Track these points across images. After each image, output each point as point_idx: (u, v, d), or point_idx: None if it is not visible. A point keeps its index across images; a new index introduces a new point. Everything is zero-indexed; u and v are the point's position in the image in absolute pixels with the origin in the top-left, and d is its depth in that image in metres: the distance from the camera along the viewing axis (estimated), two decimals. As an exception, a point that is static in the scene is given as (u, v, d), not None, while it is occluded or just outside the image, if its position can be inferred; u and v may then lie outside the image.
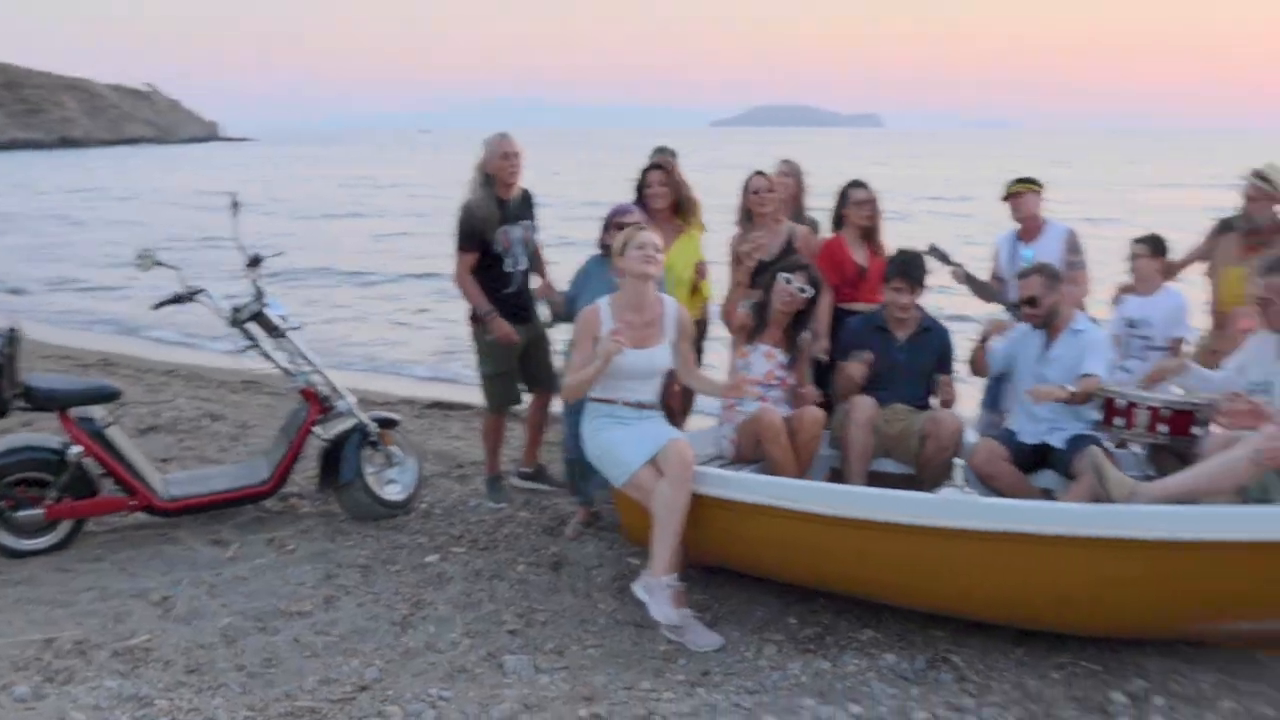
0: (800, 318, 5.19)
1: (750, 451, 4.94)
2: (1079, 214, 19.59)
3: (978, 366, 5.37)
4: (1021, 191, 5.87)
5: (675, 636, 4.25)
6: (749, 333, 5.16)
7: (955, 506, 3.92)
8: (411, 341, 13.26)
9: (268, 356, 5.50)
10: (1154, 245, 5.39)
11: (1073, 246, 5.78)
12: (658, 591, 4.21)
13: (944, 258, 5.76)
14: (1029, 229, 5.90)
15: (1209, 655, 4.13)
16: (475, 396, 6.57)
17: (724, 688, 3.88)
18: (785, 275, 5.12)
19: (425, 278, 18.12)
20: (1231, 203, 5.90)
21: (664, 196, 5.55)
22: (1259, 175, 5.56)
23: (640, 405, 4.56)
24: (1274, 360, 4.52)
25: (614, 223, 5.18)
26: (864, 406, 4.94)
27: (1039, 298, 4.95)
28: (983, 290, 5.96)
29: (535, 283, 5.84)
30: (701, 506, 4.35)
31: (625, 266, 4.47)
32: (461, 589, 4.76)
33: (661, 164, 5.66)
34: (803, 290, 5.09)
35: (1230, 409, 4.29)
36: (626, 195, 5.71)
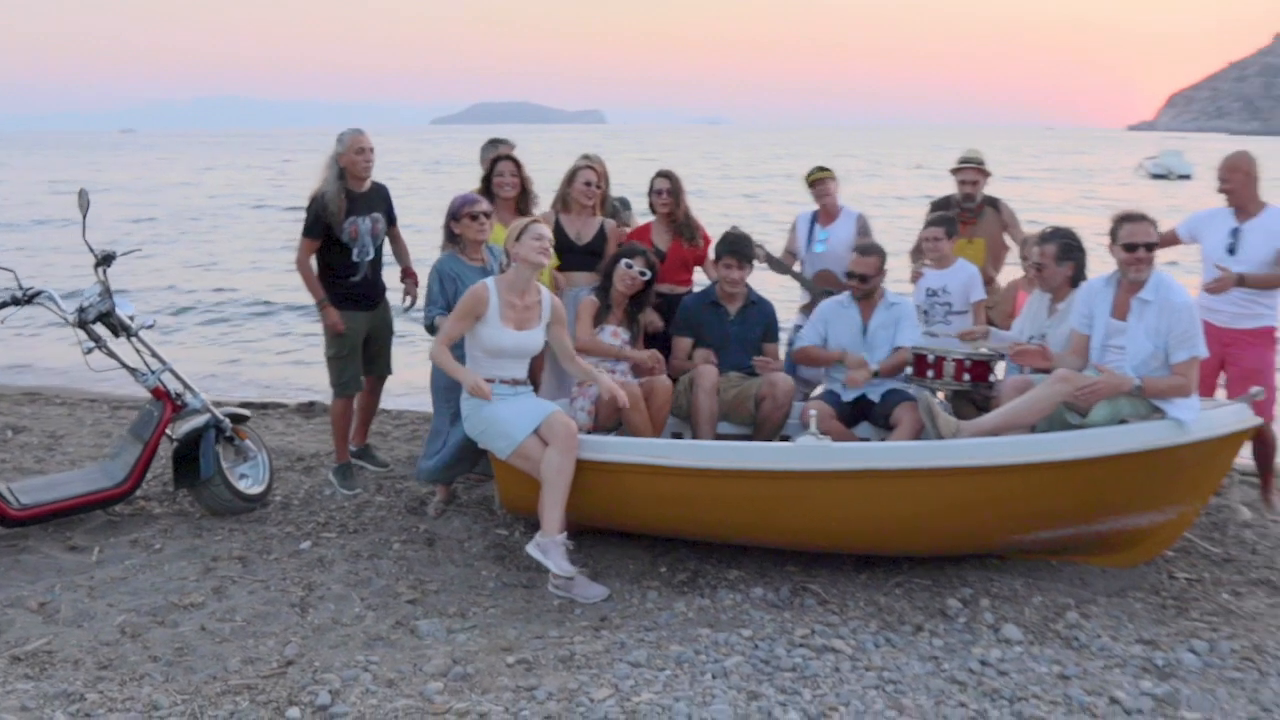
0: (638, 298, 5.67)
1: (607, 420, 5.37)
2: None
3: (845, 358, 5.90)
4: (823, 178, 6.55)
5: (564, 591, 4.64)
6: (596, 316, 5.59)
7: (816, 452, 4.51)
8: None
9: (114, 356, 5.46)
10: (949, 226, 6.17)
11: (863, 229, 6.51)
12: (552, 549, 4.59)
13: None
14: (828, 212, 6.60)
15: (1014, 565, 4.92)
16: (281, 395, 6.66)
17: (624, 629, 4.31)
18: (626, 261, 5.58)
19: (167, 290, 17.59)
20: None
21: (514, 186, 5.90)
22: (969, 159, 6.47)
23: (515, 382, 4.91)
24: (1046, 315, 5.38)
25: (463, 213, 5.47)
26: (708, 375, 5.47)
27: (871, 276, 5.63)
28: (779, 266, 6.59)
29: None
30: (579, 471, 4.75)
31: (521, 254, 4.80)
32: (346, 569, 4.96)
33: (513, 157, 5.99)
34: (642, 274, 5.57)
35: (1021, 352, 5.10)
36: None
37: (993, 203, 6.44)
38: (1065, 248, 5.20)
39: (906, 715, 3.53)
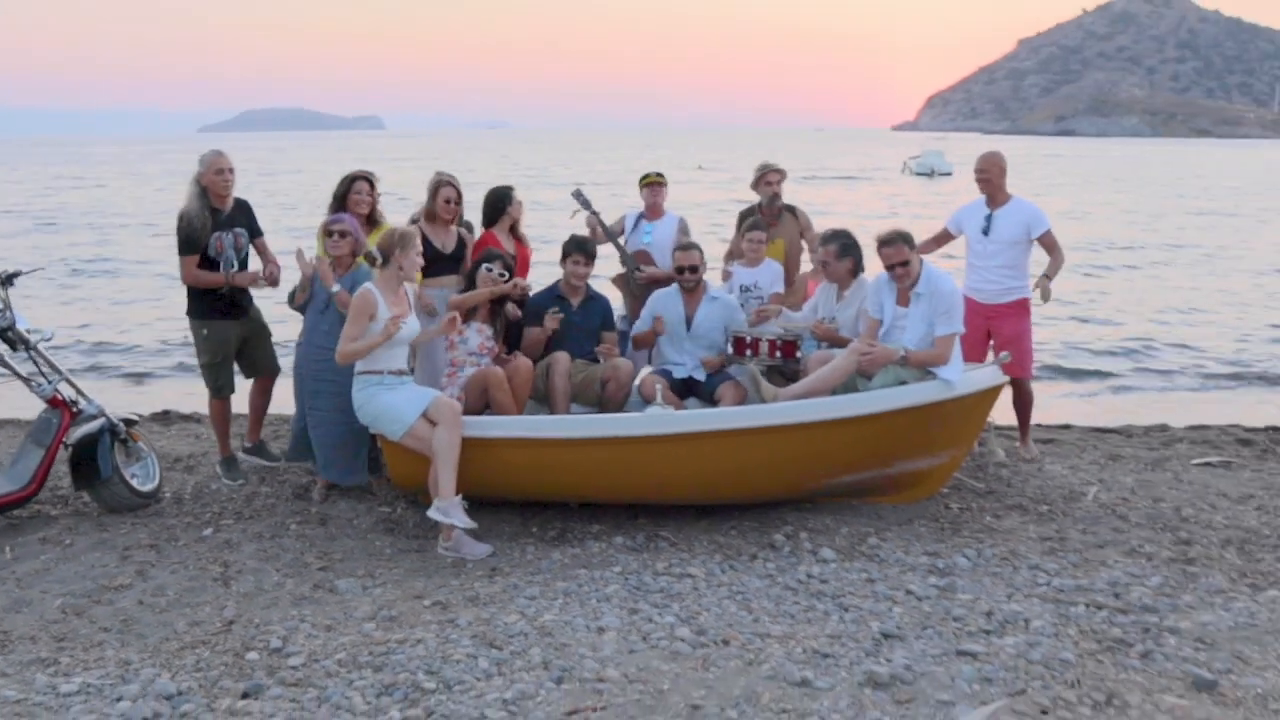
0: (501, 298, 6.49)
1: (475, 403, 6.16)
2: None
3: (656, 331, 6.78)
4: (656, 182, 7.50)
5: (454, 551, 5.42)
6: (465, 315, 6.37)
7: (665, 419, 5.46)
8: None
9: (10, 369, 5.89)
10: (767, 232, 7.19)
11: (683, 229, 7.49)
12: (452, 508, 5.37)
13: (586, 204, 7.30)
14: (654, 211, 7.53)
15: (822, 507, 5.99)
16: (136, 403, 7.08)
17: (514, 575, 5.14)
18: (487, 265, 6.39)
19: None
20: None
21: (367, 204, 6.60)
22: (766, 165, 7.58)
23: (400, 372, 5.66)
24: (834, 302, 6.50)
25: (332, 229, 6.15)
26: (563, 360, 6.34)
27: (698, 268, 6.59)
28: (608, 234, 7.40)
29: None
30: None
31: (407, 264, 5.55)
32: (255, 548, 5.58)
33: (368, 177, 6.68)
34: (502, 275, 6.39)
35: (820, 331, 6.20)
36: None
37: (790, 208, 7.54)
38: (843, 247, 6.33)
39: (754, 613, 4.51)
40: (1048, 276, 6.78)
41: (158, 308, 16.76)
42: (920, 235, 6.58)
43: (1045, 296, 6.77)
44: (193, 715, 3.68)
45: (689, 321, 6.66)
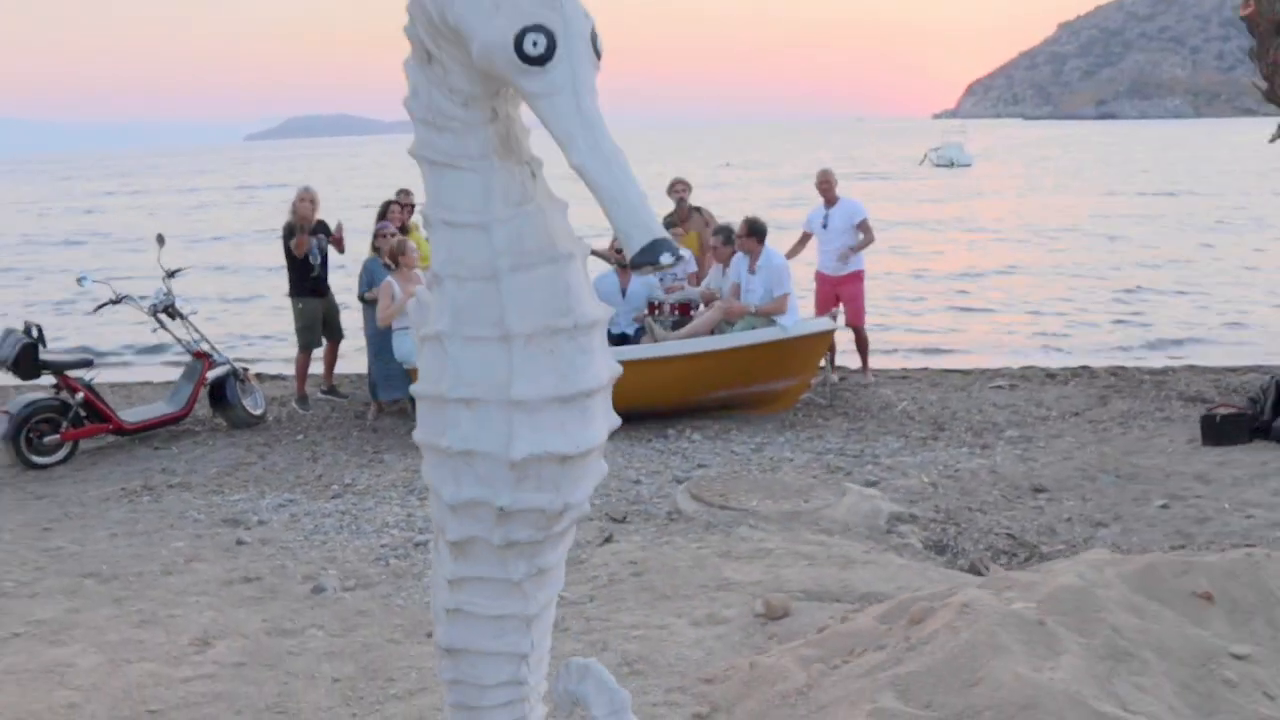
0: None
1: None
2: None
3: None
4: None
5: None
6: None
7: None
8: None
9: (170, 331, 9.02)
10: (668, 226, 10.18)
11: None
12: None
13: None
14: None
15: (707, 414, 8.94)
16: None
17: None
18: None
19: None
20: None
21: (398, 221, 9.65)
22: (679, 179, 10.54)
23: (422, 329, 8.72)
24: (720, 276, 9.46)
25: (384, 234, 9.20)
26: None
27: (622, 251, 9.57)
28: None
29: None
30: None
31: (406, 262, 8.59)
32: (330, 444, 8.65)
33: (400, 201, 9.74)
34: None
35: (705, 296, 9.20)
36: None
37: (697, 209, 10.50)
38: (726, 238, 9.28)
39: (631, 463, 7.50)
40: (853, 249, 9.73)
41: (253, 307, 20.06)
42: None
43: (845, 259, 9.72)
44: (299, 504, 6.76)
45: (623, 291, 9.65)
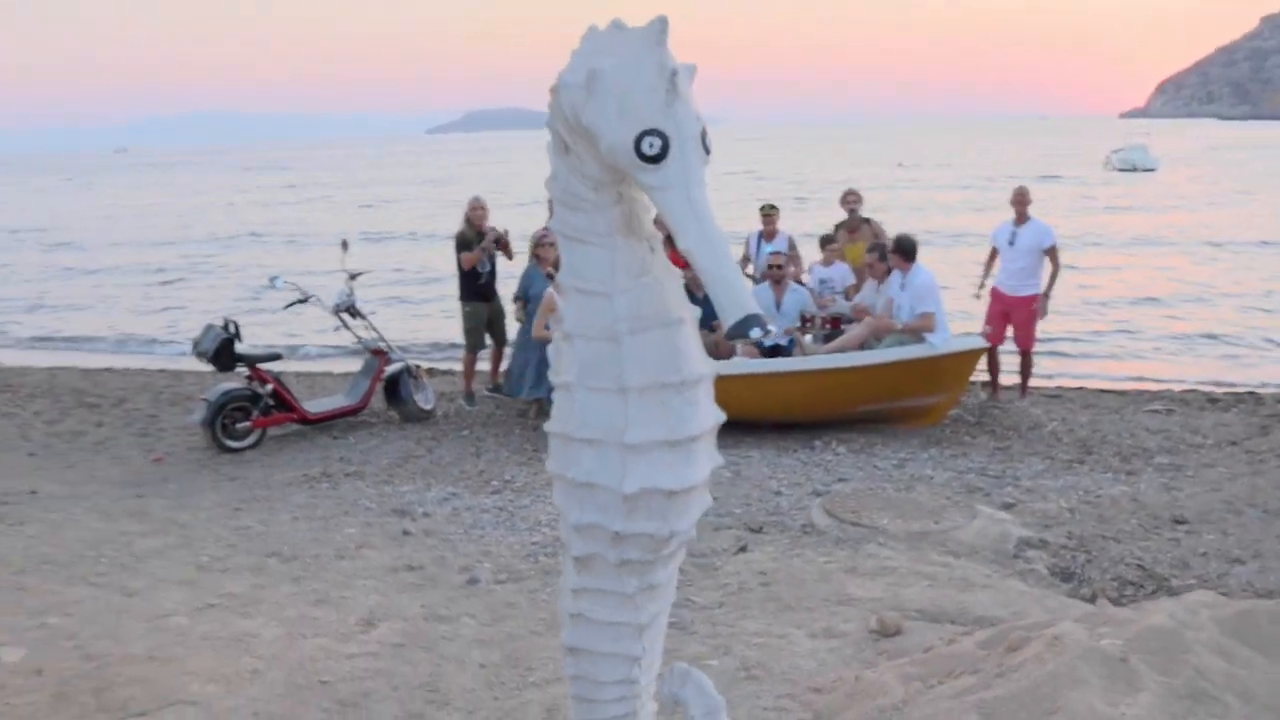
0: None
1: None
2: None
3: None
4: (768, 214, 10.74)
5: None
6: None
7: (743, 365, 8.78)
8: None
9: (350, 330, 9.73)
10: (828, 241, 10.39)
11: (791, 246, 10.65)
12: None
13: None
14: (770, 235, 10.78)
15: (853, 426, 9.13)
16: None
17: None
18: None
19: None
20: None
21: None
22: (852, 190, 10.68)
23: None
24: (874, 292, 9.62)
25: (544, 241, 9.69)
26: (687, 330, 9.73)
27: (783, 267, 9.82)
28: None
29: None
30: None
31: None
32: (493, 440, 9.20)
33: None
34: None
35: (857, 311, 9.38)
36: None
37: (867, 220, 10.66)
38: (882, 254, 9.42)
39: (774, 472, 7.77)
40: (1046, 294, 9.71)
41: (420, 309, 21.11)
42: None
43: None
44: (461, 498, 7.28)
45: (778, 304, 9.91)
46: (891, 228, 11.01)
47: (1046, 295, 9.80)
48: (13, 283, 25.71)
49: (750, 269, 10.78)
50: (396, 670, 4.19)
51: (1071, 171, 63.25)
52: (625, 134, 2.20)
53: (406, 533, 6.46)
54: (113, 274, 26.40)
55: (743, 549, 5.87)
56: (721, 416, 2.57)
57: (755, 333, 2.14)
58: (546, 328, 9.27)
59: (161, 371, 13.44)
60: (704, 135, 2.26)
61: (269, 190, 65.92)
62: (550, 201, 2.48)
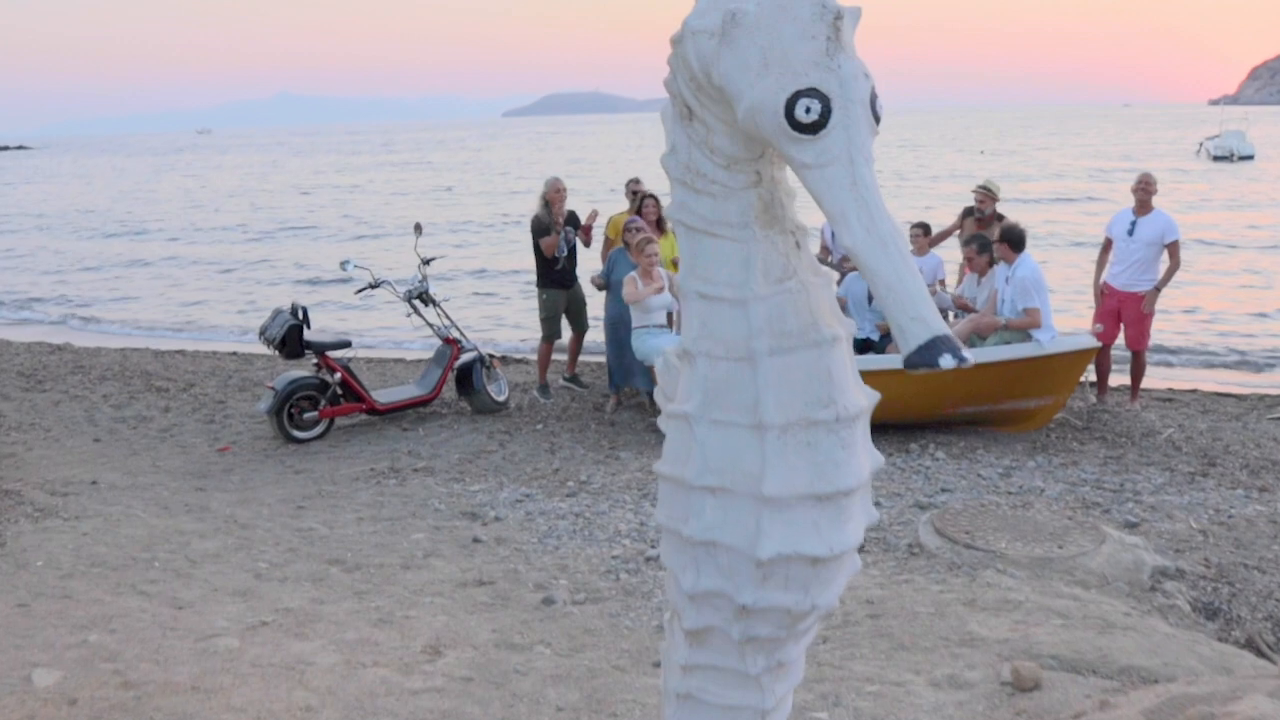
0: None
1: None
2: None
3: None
4: None
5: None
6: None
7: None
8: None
9: (422, 317, 9.33)
10: (925, 229, 9.74)
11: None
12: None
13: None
14: None
15: (953, 429, 8.53)
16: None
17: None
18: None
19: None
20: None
21: (655, 212, 9.63)
22: (983, 186, 10.03)
23: (660, 326, 8.65)
24: (975, 286, 8.98)
25: (632, 228, 9.20)
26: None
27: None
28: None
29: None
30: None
31: (645, 262, 8.55)
32: (568, 436, 8.75)
33: (654, 196, 9.72)
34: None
35: (959, 304, 8.75)
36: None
37: (999, 216, 10.01)
38: (981, 246, 8.78)
39: (877, 485, 7.19)
40: (1157, 289, 8.98)
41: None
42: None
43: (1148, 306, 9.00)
44: (535, 500, 6.83)
45: (870, 298, 9.31)
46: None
47: (1157, 290, 9.06)
48: (93, 262, 25.90)
49: (831, 258, 10.16)
50: (464, 712, 3.72)
51: (1161, 163, 61.23)
52: (774, 94, 1.68)
53: (477, 540, 6.02)
54: (178, 262, 26.38)
55: (843, 570, 5.32)
56: (880, 461, 2.05)
57: (946, 360, 1.62)
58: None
59: (232, 355, 13.22)
60: (874, 99, 1.74)
61: (353, 171, 66.28)
62: (671, 183, 1.98)
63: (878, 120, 1.75)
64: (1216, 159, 59.66)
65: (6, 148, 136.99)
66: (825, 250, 10.26)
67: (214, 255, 26.44)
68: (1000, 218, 9.94)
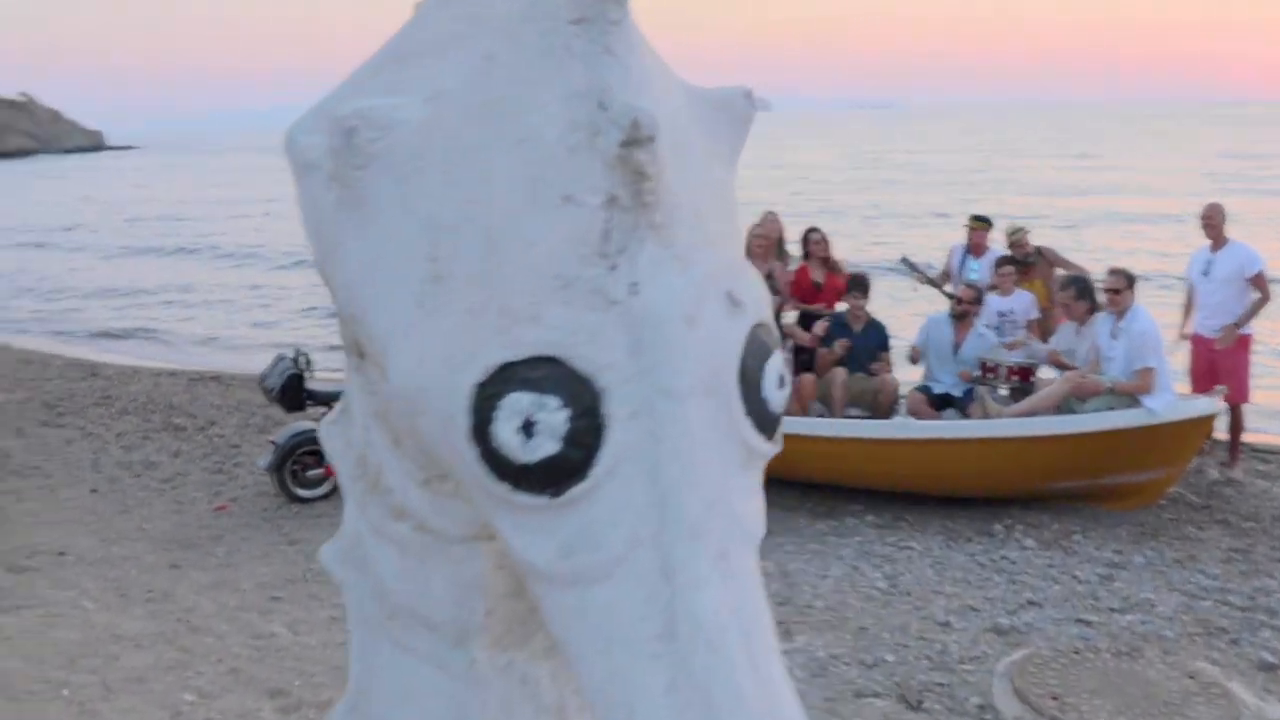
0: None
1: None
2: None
3: (913, 357, 8.36)
4: (980, 228, 8.94)
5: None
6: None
7: (902, 426, 7.06)
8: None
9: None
10: (1012, 262, 8.49)
11: (998, 266, 8.74)
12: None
13: (913, 267, 8.89)
14: (978, 250, 8.94)
15: (1047, 505, 7.29)
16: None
17: (780, 536, 6.89)
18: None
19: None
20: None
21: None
22: (1019, 229, 8.80)
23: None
24: (1073, 336, 7.72)
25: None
26: (840, 375, 8.01)
27: (978, 301, 8.00)
28: (934, 284, 8.96)
29: None
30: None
31: None
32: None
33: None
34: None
35: (1054, 359, 7.51)
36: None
37: (1039, 251, 8.75)
38: (1079, 291, 7.52)
39: (943, 579, 6.07)
40: (1236, 324, 7.67)
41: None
42: None
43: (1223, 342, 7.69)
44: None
45: (956, 346, 8.09)
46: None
47: (1236, 325, 7.72)
48: (154, 273, 25.67)
49: (950, 287, 8.92)
50: None
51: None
52: (450, 367, 0.72)
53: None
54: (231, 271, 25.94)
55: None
56: None
57: None
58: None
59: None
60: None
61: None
62: None
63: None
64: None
65: (117, 148, 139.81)
66: (946, 276, 9.09)
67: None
68: (1040, 251, 8.72)
